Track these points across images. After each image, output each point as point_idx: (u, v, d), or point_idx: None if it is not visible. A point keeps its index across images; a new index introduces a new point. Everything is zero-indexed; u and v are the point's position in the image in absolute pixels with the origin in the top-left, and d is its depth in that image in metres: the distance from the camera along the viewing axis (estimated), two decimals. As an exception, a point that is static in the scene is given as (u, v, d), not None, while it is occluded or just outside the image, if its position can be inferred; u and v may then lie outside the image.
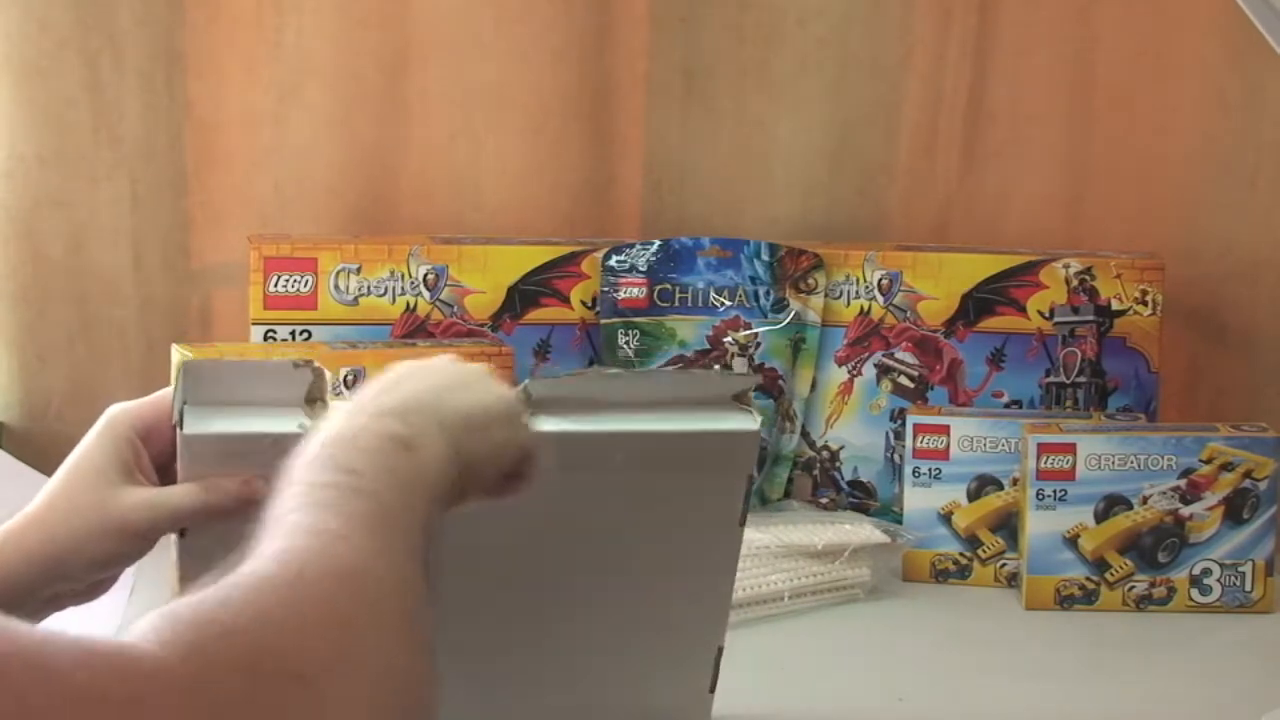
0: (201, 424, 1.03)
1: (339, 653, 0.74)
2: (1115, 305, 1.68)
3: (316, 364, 1.06)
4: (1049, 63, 1.77)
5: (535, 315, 1.70)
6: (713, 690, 1.20)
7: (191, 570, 1.03)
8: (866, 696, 1.36)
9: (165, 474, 1.07)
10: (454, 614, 1.04)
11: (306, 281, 1.66)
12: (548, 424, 1.05)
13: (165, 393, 1.07)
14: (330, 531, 0.80)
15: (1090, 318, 1.68)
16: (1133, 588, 1.54)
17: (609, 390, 1.09)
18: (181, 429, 1.03)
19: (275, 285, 1.65)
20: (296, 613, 0.74)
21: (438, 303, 1.68)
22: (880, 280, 1.71)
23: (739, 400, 1.10)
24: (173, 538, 1.06)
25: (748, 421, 1.09)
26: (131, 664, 0.68)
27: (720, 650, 1.19)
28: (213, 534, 1.03)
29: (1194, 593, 1.53)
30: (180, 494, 1.04)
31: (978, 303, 1.69)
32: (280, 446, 0.99)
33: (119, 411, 1.07)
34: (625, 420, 1.08)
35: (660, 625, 1.17)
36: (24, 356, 1.78)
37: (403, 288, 1.67)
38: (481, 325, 1.69)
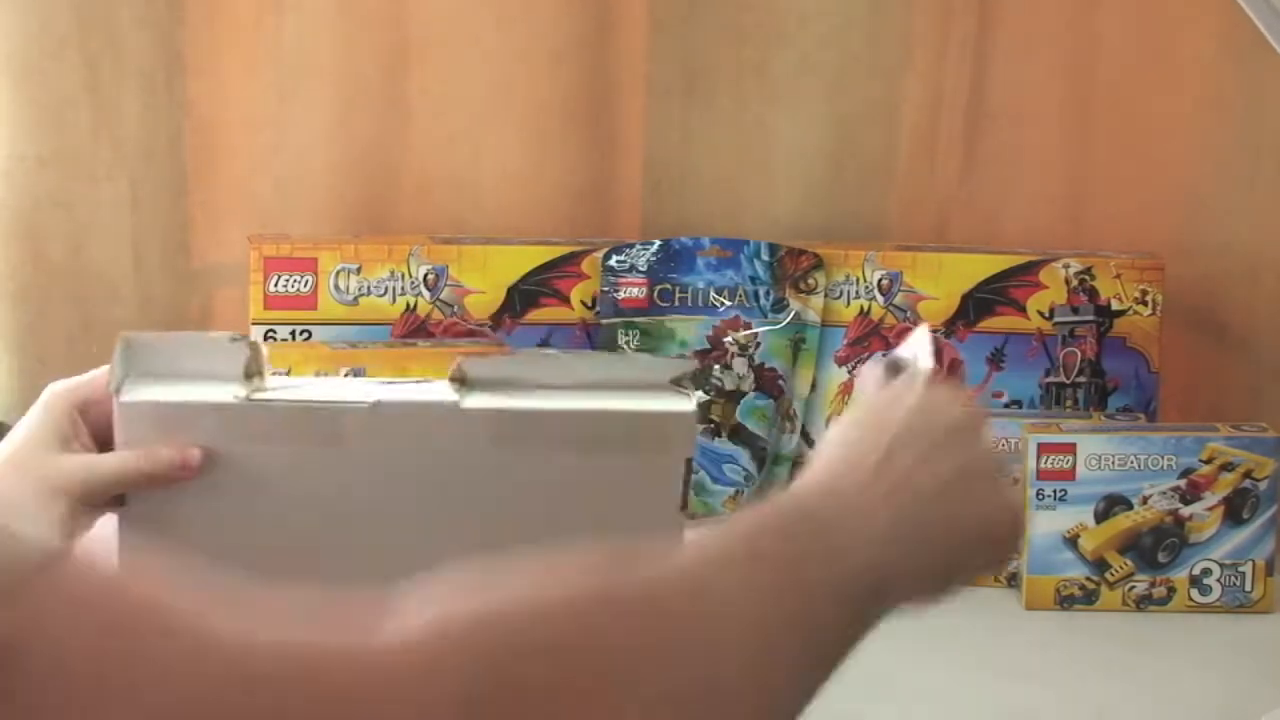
0: (138, 392, 1.05)
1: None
2: (1115, 305, 1.68)
3: (252, 339, 1.07)
4: (1049, 63, 1.77)
5: (535, 315, 1.70)
6: None
7: (131, 543, 1.06)
8: (866, 697, 1.35)
9: (105, 449, 1.08)
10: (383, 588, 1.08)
11: (306, 281, 1.66)
12: (480, 401, 1.06)
13: (103, 369, 1.08)
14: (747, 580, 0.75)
15: (1090, 318, 1.68)
16: (1133, 588, 1.54)
17: (546, 370, 1.09)
18: (119, 397, 1.04)
19: (275, 285, 1.65)
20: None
21: (438, 303, 1.68)
22: (880, 280, 1.71)
23: (677, 383, 1.10)
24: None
25: (684, 403, 1.08)
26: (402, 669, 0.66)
27: None
28: (152, 505, 1.05)
29: (1194, 593, 1.53)
30: (117, 459, 1.05)
31: (978, 303, 1.69)
32: (217, 418, 1.02)
33: (57, 387, 1.09)
34: (560, 399, 1.07)
35: None
36: (24, 357, 1.78)
37: (403, 288, 1.67)
38: (481, 325, 1.69)
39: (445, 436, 1.07)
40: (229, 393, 1.04)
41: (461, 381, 1.07)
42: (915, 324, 1.69)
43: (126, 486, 1.05)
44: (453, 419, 1.06)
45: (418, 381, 1.10)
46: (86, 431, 1.07)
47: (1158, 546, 1.53)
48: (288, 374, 1.42)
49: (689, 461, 1.10)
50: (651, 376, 1.10)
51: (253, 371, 1.06)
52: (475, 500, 1.07)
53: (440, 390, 1.08)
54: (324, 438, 1.06)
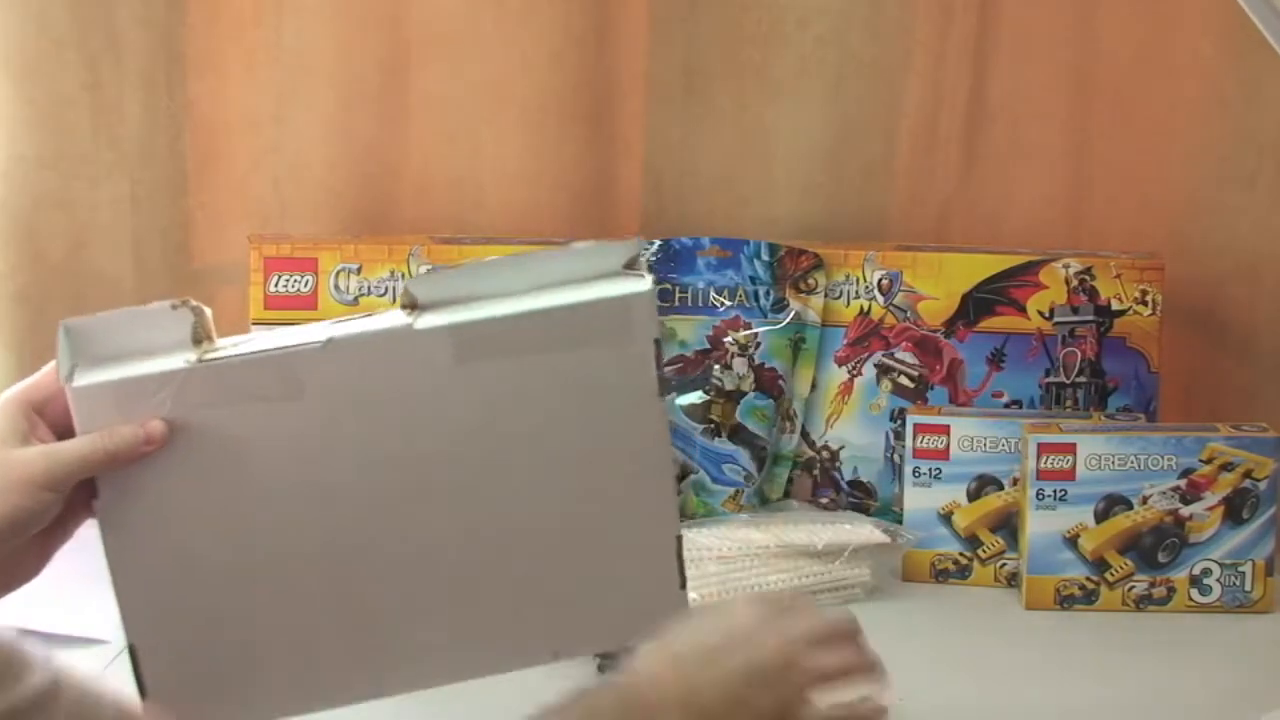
0: (89, 376, 1.04)
1: None
2: (1115, 305, 1.68)
3: (195, 303, 1.06)
4: (1049, 63, 1.77)
5: (535, 315, 1.70)
6: (684, 586, 1.14)
7: (115, 537, 1.05)
8: (866, 696, 1.36)
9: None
10: (377, 532, 1.07)
11: (307, 281, 1.66)
12: (433, 320, 1.05)
13: (52, 364, 1.07)
14: None
15: (1090, 318, 1.68)
16: (1133, 588, 1.54)
17: (494, 277, 1.07)
18: (70, 384, 1.03)
19: (275, 285, 1.65)
20: None
21: (438, 303, 1.68)
22: (880, 280, 1.71)
23: (629, 267, 1.08)
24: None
25: (640, 284, 1.07)
26: None
27: (679, 540, 1.14)
28: (126, 491, 1.04)
29: (1194, 593, 1.53)
30: (78, 443, 1.03)
31: (978, 303, 1.69)
32: (172, 387, 1.01)
33: (9, 391, 1.07)
34: (513, 303, 1.06)
35: (600, 520, 1.12)
36: (24, 356, 1.78)
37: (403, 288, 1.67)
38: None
39: (405, 362, 1.05)
40: (180, 360, 1.04)
41: (412, 306, 1.06)
42: (915, 324, 1.69)
43: (92, 469, 1.03)
44: (409, 343, 1.05)
45: (368, 315, 1.09)
46: (46, 428, 1.06)
47: (1158, 546, 1.53)
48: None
49: (657, 342, 1.08)
50: (603, 264, 1.08)
51: (200, 336, 1.05)
52: (446, 422, 1.05)
53: (392, 318, 1.06)
54: (283, 386, 1.05)
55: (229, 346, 1.06)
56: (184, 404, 1.04)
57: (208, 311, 1.06)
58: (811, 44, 1.77)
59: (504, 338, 1.06)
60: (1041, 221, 1.79)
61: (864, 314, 1.71)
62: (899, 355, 1.70)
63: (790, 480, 1.73)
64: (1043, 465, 1.52)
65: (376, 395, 1.06)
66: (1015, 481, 1.57)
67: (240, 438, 1.05)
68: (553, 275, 1.08)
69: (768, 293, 1.72)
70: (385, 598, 1.09)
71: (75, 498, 1.05)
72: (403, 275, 1.67)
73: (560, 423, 1.08)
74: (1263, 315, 1.78)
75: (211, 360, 1.04)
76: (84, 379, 1.04)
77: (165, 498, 1.05)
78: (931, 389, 1.70)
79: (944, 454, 1.58)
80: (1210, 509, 1.53)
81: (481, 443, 1.07)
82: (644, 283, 1.07)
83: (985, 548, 1.58)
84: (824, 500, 1.72)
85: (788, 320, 1.71)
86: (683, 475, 1.69)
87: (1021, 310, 1.69)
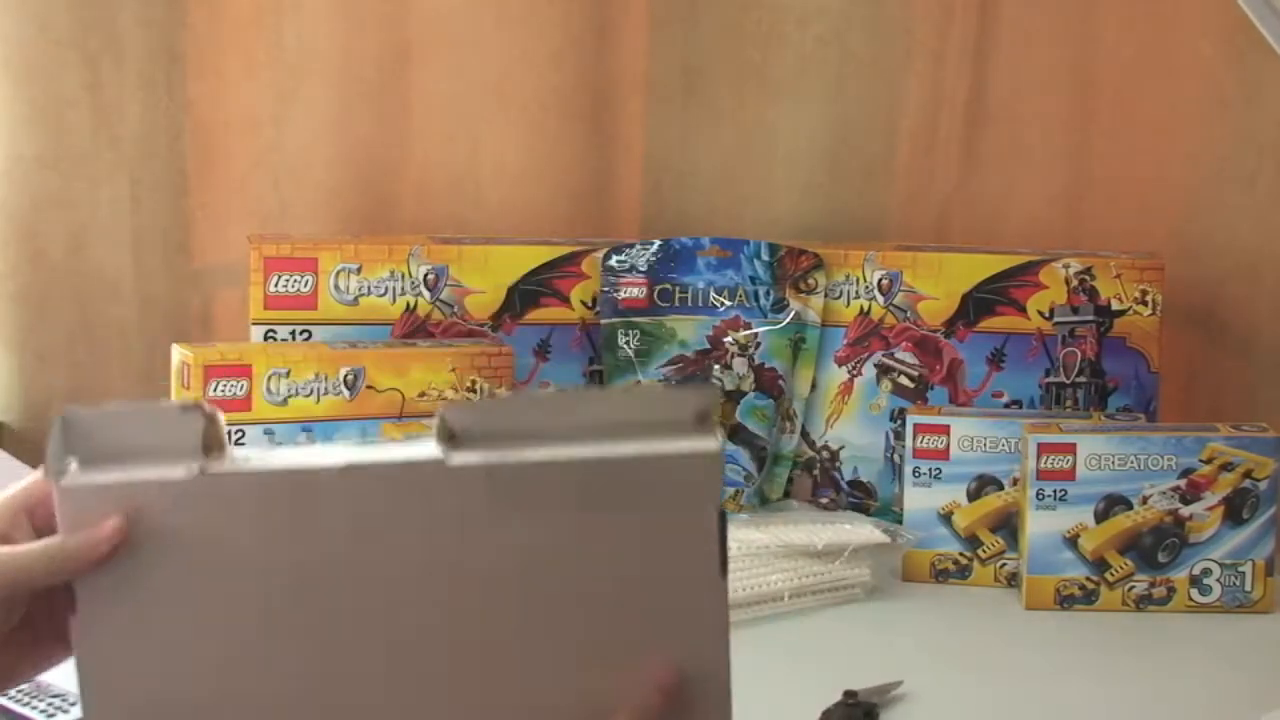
0: (80, 476, 0.92)
1: None
2: (1115, 305, 1.68)
3: (209, 407, 0.94)
4: (1049, 63, 1.77)
5: (535, 315, 1.70)
6: None
7: (89, 666, 0.93)
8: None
9: None
10: (372, 682, 0.95)
11: (306, 281, 1.66)
12: (469, 456, 0.93)
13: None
14: None
15: (1090, 318, 1.68)
16: (1133, 588, 1.54)
17: (542, 414, 0.94)
18: (58, 483, 0.92)
19: (275, 285, 1.65)
20: None
21: (438, 303, 1.68)
22: (880, 280, 1.71)
23: (700, 419, 0.94)
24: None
25: (708, 443, 0.92)
26: None
27: None
28: (106, 602, 0.93)
29: (1194, 593, 1.53)
30: (30, 546, 0.92)
31: (978, 303, 1.69)
32: (170, 496, 0.91)
33: (8, 490, 0.96)
34: (561, 447, 0.93)
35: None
36: (24, 356, 1.78)
37: (403, 288, 1.67)
38: (481, 325, 1.69)
39: (430, 501, 0.94)
40: (182, 468, 0.92)
41: (448, 436, 0.93)
42: (915, 324, 1.69)
43: (53, 575, 0.92)
44: (438, 479, 0.93)
45: (400, 441, 0.97)
46: (29, 530, 0.95)
47: (1158, 546, 1.53)
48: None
49: (722, 513, 0.94)
50: (667, 412, 0.94)
51: (211, 444, 0.93)
52: (469, 575, 0.94)
53: (422, 448, 0.94)
54: (292, 511, 0.94)
55: (239, 459, 0.95)
56: (181, 517, 0.93)
57: (220, 417, 0.94)
58: (811, 44, 1.77)
59: (546, 488, 0.93)
60: (1041, 221, 1.79)
61: (864, 314, 1.71)
62: (899, 355, 1.70)
63: (790, 480, 1.73)
64: (1043, 465, 1.52)
65: (394, 533, 0.94)
66: (1015, 481, 1.57)
67: (237, 560, 0.94)
68: (612, 418, 0.94)
69: (768, 293, 1.72)
70: None
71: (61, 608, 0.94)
72: (403, 275, 1.67)
73: (599, 595, 0.95)
74: (1263, 315, 1.78)
75: (217, 473, 0.93)
76: (74, 478, 0.92)
77: (147, 617, 0.94)
78: (931, 389, 1.70)
79: (944, 454, 1.58)
80: (1210, 509, 1.53)
81: (504, 604, 0.95)
82: (713, 442, 0.93)
83: (985, 548, 1.58)
84: (824, 500, 1.72)
85: (788, 320, 1.71)
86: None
87: (1021, 310, 1.69)
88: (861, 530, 1.57)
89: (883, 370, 1.71)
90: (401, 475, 0.94)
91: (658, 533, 0.94)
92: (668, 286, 1.72)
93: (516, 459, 0.93)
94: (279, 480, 0.94)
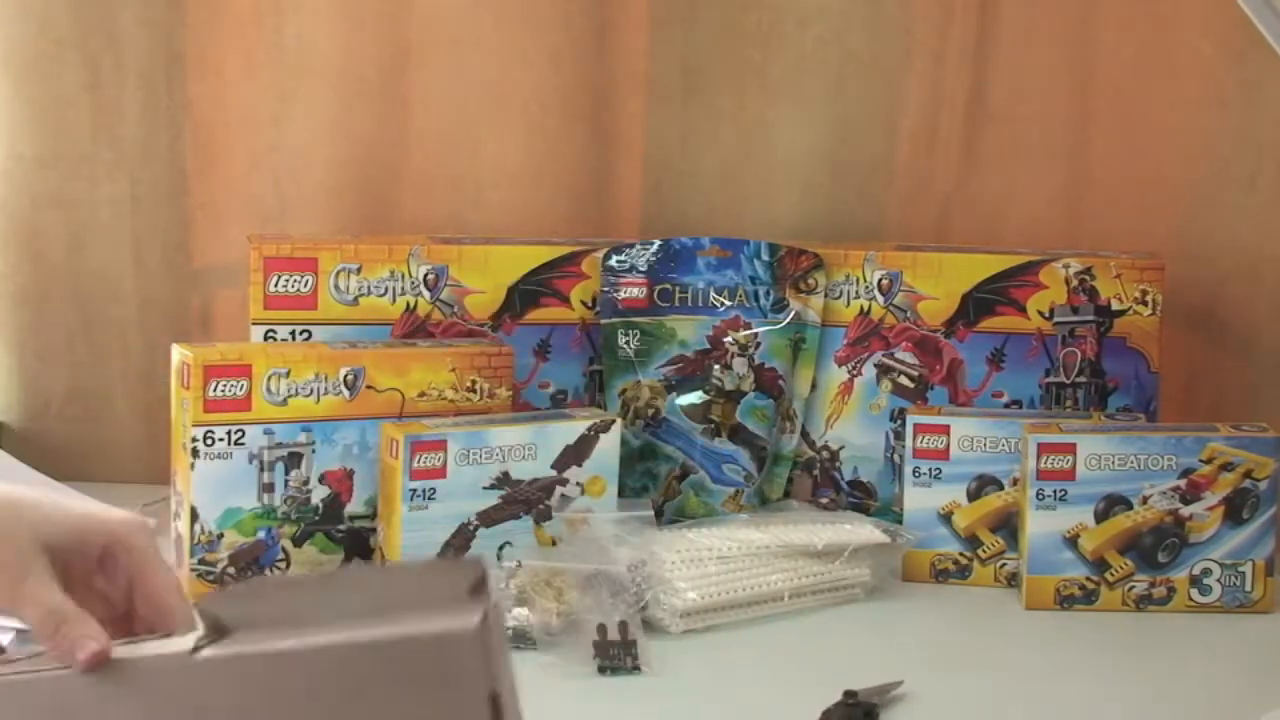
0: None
1: None
2: (1115, 305, 1.68)
3: None
4: (1049, 63, 1.77)
5: (535, 315, 1.70)
6: None
7: None
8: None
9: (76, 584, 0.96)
10: None
11: (306, 281, 1.66)
12: (220, 648, 0.86)
13: (88, 512, 0.97)
14: None
15: (1090, 318, 1.68)
16: (1133, 588, 1.54)
17: (307, 597, 0.87)
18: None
19: (275, 285, 1.65)
20: None
21: (438, 303, 1.68)
22: (880, 280, 1.71)
23: (474, 592, 0.85)
24: None
25: (467, 618, 0.83)
26: None
27: None
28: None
29: (1194, 593, 1.53)
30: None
31: (978, 303, 1.69)
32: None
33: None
34: (322, 633, 0.85)
35: None
36: (24, 356, 1.78)
37: (403, 288, 1.67)
38: (482, 325, 1.69)
39: (180, 696, 0.87)
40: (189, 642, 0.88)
41: (213, 626, 0.87)
42: (915, 324, 1.69)
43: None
44: (187, 674, 0.87)
45: (159, 637, 0.92)
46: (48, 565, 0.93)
47: (1158, 546, 1.53)
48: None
49: (493, 696, 0.84)
50: (442, 587, 0.85)
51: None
52: None
53: (176, 643, 0.89)
54: (43, 716, 0.88)
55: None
56: None
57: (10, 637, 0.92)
58: (811, 44, 1.77)
59: (299, 675, 0.85)
60: (1041, 221, 1.79)
61: (864, 314, 1.71)
62: (899, 355, 1.70)
63: (790, 480, 1.73)
64: (1043, 465, 1.52)
65: None
66: (1015, 481, 1.57)
67: None
68: (384, 596, 0.86)
69: (768, 293, 1.72)
70: None
71: None
72: (403, 275, 1.67)
73: None
74: (1263, 315, 1.78)
75: None
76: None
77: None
78: (931, 389, 1.70)
79: (944, 454, 1.58)
80: (1210, 509, 1.53)
81: None
82: (473, 616, 0.83)
83: (985, 548, 1.58)
84: (824, 500, 1.72)
85: (788, 320, 1.71)
86: (683, 475, 1.69)
87: (1021, 310, 1.69)
88: (861, 530, 1.57)
89: (883, 370, 1.71)
90: (146, 673, 0.88)
91: (427, 715, 0.85)
92: (668, 286, 1.72)
93: (268, 648, 0.86)
94: (29, 690, 0.88)
